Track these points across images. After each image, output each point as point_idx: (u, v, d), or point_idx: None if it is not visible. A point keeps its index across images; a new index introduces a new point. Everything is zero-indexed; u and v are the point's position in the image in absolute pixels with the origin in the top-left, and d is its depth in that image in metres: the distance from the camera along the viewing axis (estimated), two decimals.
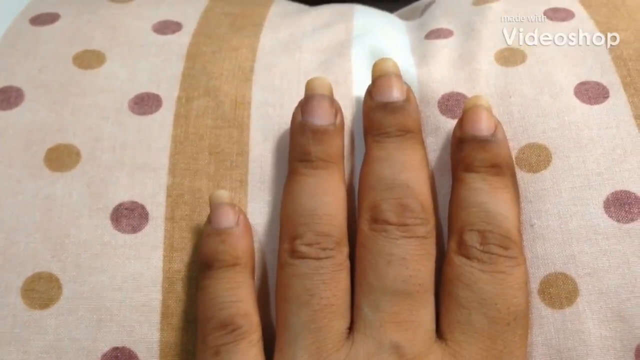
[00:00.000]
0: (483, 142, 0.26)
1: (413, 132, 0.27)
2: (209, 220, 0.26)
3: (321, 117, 0.27)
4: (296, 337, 0.24)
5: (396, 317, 0.24)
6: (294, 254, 0.25)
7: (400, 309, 0.24)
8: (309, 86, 0.28)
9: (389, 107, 0.27)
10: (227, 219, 0.26)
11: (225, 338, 0.24)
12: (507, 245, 0.24)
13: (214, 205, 0.26)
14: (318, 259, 0.24)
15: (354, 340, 0.24)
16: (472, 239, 0.25)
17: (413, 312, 0.24)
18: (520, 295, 0.24)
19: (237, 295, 0.24)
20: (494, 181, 0.25)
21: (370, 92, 0.28)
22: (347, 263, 0.25)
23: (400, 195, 0.25)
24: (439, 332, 0.24)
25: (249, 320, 0.24)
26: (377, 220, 0.25)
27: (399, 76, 0.28)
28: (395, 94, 0.27)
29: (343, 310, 0.24)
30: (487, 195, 0.25)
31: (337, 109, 0.28)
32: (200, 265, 0.25)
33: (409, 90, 0.28)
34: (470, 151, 0.26)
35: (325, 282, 0.24)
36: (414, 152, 0.27)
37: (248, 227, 0.26)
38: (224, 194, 0.26)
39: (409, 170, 0.26)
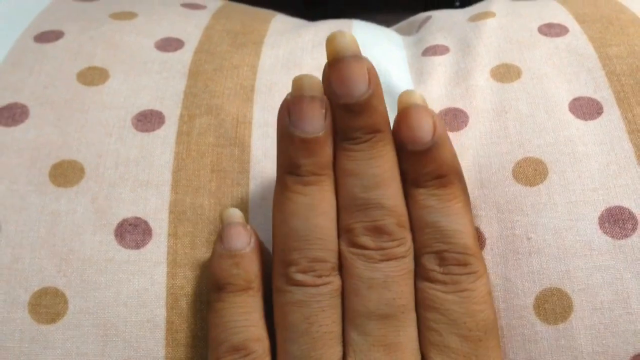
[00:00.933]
0: (424, 153, 0.25)
1: (381, 132, 0.25)
2: (221, 239, 0.26)
3: (311, 122, 0.25)
4: None
5: (384, 339, 0.24)
6: (290, 281, 0.24)
7: (387, 331, 0.24)
8: (296, 85, 0.25)
9: (355, 107, 0.25)
10: (240, 240, 0.25)
11: None
12: (466, 261, 0.24)
13: (226, 225, 0.26)
14: (315, 286, 0.24)
15: None
16: (430, 262, 0.25)
17: (400, 334, 0.24)
18: (487, 308, 0.24)
19: (250, 320, 0.25)
20: (443, 195, 0.25)
21: (329, 79, 0.25)
22: (341, 288, 0.25)
23: (375, 217, 0.25)
24: (421, 352, 0.25)
25: (262, 345, 0.24)
26: (354, 244, 0.25)
27: (358, 58, 0.25)
28: (359, 87, 0.25)
29: (339, 336, 0.24)
30: (438, 213, 0.25)
31: (326, 109, 0.25)
32: (213, 287, 0.25)
33: (370, 71, 0.25)
34: (414, 164, 0.25)
35: (324, 309, 0.24)
36: (384, 158, 0.25)
37: (259, 247, 0.26)
38: (236, 213, 0.26)
39: (381, 186, 0.25)
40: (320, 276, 0.24)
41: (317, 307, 0.24)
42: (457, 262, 0.24)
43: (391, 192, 0.25)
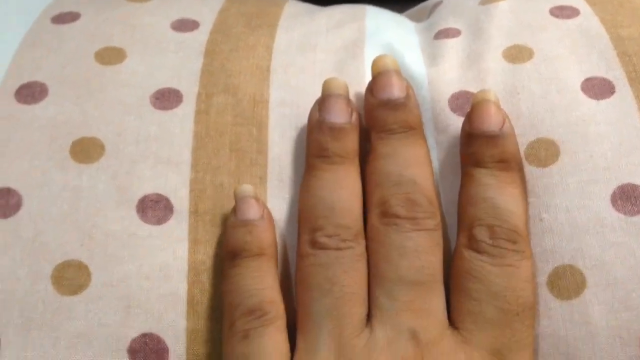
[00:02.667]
0: (492, 138, 0.27)
1: (415, 129, 0.28)
2: (235, 212, 0.27)
3: (338, 115, 0.28)
4: (319, 323, 0.25)
5: (411, 305, 0.25)
6: (315, 244, 0.26)
7: (414, 297, 0.25)
8: (325, 86, 0.29)
9: (391, 105, 0.28)
10: (253, 211, 0.27)
11: (254, 323, 0.25)
12: (515, 239, 0.25)
13: (239, 198, 0.27)
14: (338, 249, 0.26)
15: (372, 327, 0.25)
16: (481, 233, 0.25)
17: (426, 301, 0.25)
18: (528, 288, 0.25)
19: (264, 283, 0.26)
20: (502, 176, 0.26)
21: (371, 89, 0.29)
22: (365, 254, 0.26)
23: (408, 190, 0.26)
24: (451, 321, 0.25)
25: (276, 307, 0.25)
26: (387, 214, 0.26)
27: (398, 72, 0.29)
28: (396, 91, 0.28)
29: (362, 298, 0.25)
30: (495, 191, 0.26)
31: (352, 108, 0.29)
32: (228, 255, 0.26)
33: (408, 86, 0.29)
34: (479, 147, 0.27)
35: (346, 271, 0.25)
36: (417, 148, 0.28)
37: (271, 220, 0.27)
38: (248, 188, 0.27)
39: (415, 166, 0.27)
40: (344, 240, 0.26)
41: (340, 269, 0.25)
42: (507, 237, 0.25)
43: (424, 174, 0.27)
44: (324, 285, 0.25)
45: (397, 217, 0.26)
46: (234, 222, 0.27)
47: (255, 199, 0.27)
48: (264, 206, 0.27)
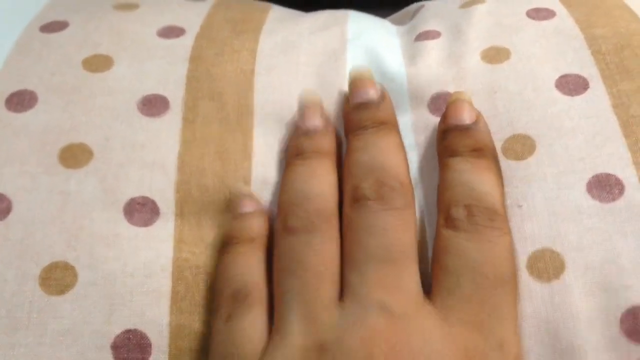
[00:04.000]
0: (465, 130, 0.28)
1: (387, 124, 0.29)
2: (230, 209, 0.28)
3: (312, 120, 0.30)
4: (290, 304, 0.25)
5: (382, 281, 0.25)
6: (286, 229, 0.26)
7: (384, 274, 0.25)
8: (300, 99, 0.30)
9: (364, 105, 0.29)
10: (247, 205, 0.28)
11: (237, 304, 0.25)
12: (492, 216, 0.26)
13: (234, 196, 0.28)
14: (307, 231, 0.26)
15: (343, 305, 0.25)
16: (458, 213, 0.26)
17: (397, 278, 0.25)
18: (507, 264, 0.25)
19: (250, 267, 0.26)
20: (477, 163, 0.27)
21: (347, 97, 0.30)
22: (337, 236, 0.27)
23: (378, 175, 0.27)
24: (430, 300, 0.25)
25: (259, 290, 0.26)
26: (357, 198, 0.27)
27: (372, 80, 0.30)
28: (371, 93, 0.30)
29: (332, 278, 0.26)
30: (471, 175, 0.27)
31: (327, 117, 0.30)
32: (220, 244, 0.28)
33: (383, 89, 0.30)
34: (454, 138, 0.28)
35: (315, 252, 0.26)
36: (389, 138, 0.28)
37: (264, 214, 0.28)
38: (244, 187, 0.28)
39: (386, 154, 0.28)
40: (312, 222, 0.26)
41: (310, 250, 0.26)
42: (483, 215, 0.26)
43: (395, 160, 0.28)
44: (293, 267, 0.26)
45: (367, 199, 0.26)
46: (228, 217, 0.28)
47: (250, 196, 0.28)
48: (259, 202, 0.28)
